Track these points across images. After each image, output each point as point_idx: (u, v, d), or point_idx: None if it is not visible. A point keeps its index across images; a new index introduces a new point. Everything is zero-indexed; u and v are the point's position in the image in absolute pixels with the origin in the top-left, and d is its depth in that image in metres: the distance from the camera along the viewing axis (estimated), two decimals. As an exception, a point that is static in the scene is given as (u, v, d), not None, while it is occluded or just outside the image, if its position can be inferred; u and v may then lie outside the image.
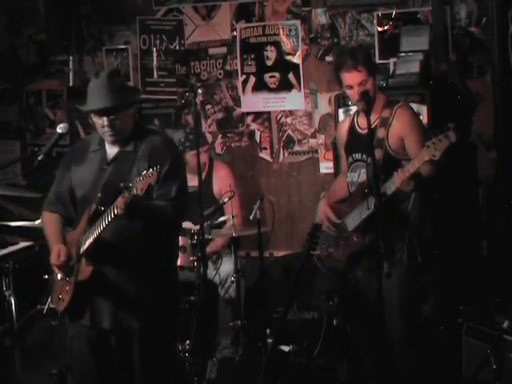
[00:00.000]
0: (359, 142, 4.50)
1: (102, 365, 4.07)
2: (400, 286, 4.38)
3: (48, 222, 4.23)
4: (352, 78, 4.41)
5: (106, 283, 3.98)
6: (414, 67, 5.43)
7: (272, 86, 6.45)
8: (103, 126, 3.99)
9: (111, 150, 4.09)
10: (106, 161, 4.07)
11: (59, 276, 4.09)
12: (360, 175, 4.49)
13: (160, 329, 4.07)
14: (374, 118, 4.43)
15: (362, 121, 4.52)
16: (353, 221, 4.46)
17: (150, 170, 3.66)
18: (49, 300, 4.27)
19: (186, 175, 4.15)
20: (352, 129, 4.62)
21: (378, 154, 4.35)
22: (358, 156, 4.52)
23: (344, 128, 4.71)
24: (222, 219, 5.65)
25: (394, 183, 4.20)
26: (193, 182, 5.49)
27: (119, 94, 3.95)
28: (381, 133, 4.42)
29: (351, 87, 4.42)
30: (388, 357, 4.22)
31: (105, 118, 3.95)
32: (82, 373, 4.12)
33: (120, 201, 3.71)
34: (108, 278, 3.98)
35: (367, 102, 4.17)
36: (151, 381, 4.06)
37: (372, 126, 4.32)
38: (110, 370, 4.08)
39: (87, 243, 3.93)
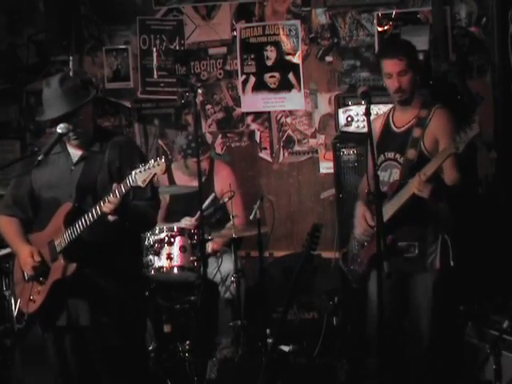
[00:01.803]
0: (393, 141, 4.45)
1: (80, 363, 4.12)
2: (430, 293, 4.36)
3: (6, 225, 4.23)
4: (392, 66, 4.37)
5: (81, 281, 4.01)
6: (414, 67, 5.43)
7: (272, 85, 6.45)
8: (66, 134, 4.04)
9: (75, 151, 4.14)
10: (71, 162, 4.13)
11: (27, 277, 4.10)
12: (392, 175, 4.43)
13: (132, 323, 4.14)
14: (409, 116, 4.42)
15: (398, 118, 4.49)
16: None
17: (152, 161, 3.73)
18: (18, 304, 4.25)
19: None
20: (386, 126, 4.55)
21: (412, 154, 4.33)
22: (390, 155, 4.45)
23: (377, 125, 4.59)
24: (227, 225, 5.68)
25: (410, 188, 4.18)
26: (193, 183, 5.53)
27: (73, 97, 4.00)
28: (416, 132, 4.36)
29: (390, 76, 4.38)
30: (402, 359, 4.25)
31: (66, 124, 4.00)
32: (60, 374, 4.16)
33: (105, 206, 3.81)
34: (84, 276, 4.01)
35: (367, 102, 4.13)
36: (121, 375, 4.12)
37: (408, 125, 4.38)
38: (89, 368, 4.13)
39: (66, 241, 3.96)
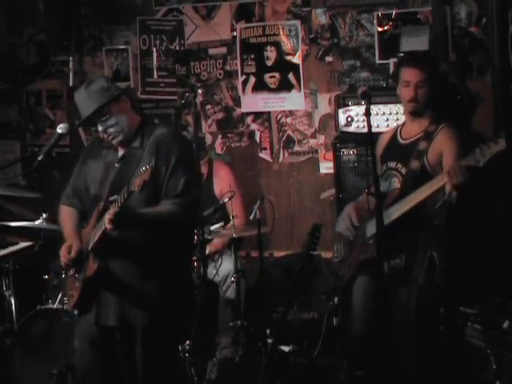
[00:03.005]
0: (397, 151, 4.49)
1: (106, 362, 4.09)
2: (414, 304, 4.34)
3: (65, 216, 4.26)
4: (412, 75, 4.39)
5: (112, 280, 4.00)
6: (414, 67, 5.43)
7: (272, 86, 6.45)
8: (103, 136, 4.04)
9: (120, 148, 4.13)
10: (116, 159, 4.11)
11: (70, 272, 4.12)
12: (391, 184, 4.44)
13: (165, 327, 4.06)
14: (417, 130, 4.45)
15: (406, 131, 4.53)
16: (372, 227, 4.28)
17: (145, 166, 3.64)
18: (59, 298, 4.29)
19: (195, 167, 4.16)
20: (393, 138, 4.59)
21: (415, 164, 4.35)
22: (392, 164, 4.48)
23: (386, 137, 4.67)
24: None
25: (437, 181, 4.14)
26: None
27: (98, 97, 3.97)
28: (422, 145, 4.39)
29: (408, 84, 4.40)
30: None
31: (98, 125, 3.99)
32: (85, 370, 4.13)
33: (106, 217, 3.76)
34: (115, 275, 3.99)
35: (367, 103, 4.11)
36: (153, 379, 4.06)
37: (414, 138, 4.42)
38: (114, 368, 4.11)
39: (94, 240, 3.96)
